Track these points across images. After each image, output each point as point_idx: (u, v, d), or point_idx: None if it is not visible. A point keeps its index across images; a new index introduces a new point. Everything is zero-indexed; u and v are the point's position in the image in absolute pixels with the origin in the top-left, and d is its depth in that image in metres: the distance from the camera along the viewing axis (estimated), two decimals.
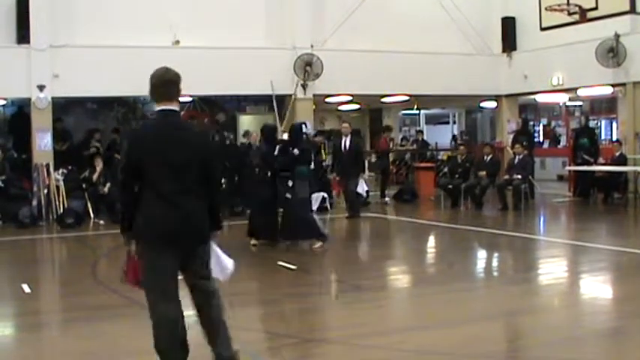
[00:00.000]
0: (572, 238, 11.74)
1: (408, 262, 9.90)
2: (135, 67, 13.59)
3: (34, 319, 6.70)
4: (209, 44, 15.43)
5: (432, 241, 12.07)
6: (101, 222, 13.57)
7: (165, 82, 4.40)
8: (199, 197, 4.42)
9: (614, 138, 19.50)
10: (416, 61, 17.46)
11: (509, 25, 18.67)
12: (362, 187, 13.89)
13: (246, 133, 15.52)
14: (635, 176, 15.27)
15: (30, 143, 14.71)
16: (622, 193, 15.52)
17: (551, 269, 8.86)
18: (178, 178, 4.33)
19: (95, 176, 14.29)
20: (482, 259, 10.35)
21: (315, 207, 11.39)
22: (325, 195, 14.17)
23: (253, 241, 10.46)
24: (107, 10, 15.09)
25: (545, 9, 17.42)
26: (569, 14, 16.90)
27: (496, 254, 10.52)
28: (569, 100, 22.01)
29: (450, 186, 15.82)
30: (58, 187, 14.17)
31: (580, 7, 16.65)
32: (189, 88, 16.97)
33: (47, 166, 14.38)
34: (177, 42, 15.47)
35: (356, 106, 22.82)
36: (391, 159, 20.03)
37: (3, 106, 16.38)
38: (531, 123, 23.04)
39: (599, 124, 22.68)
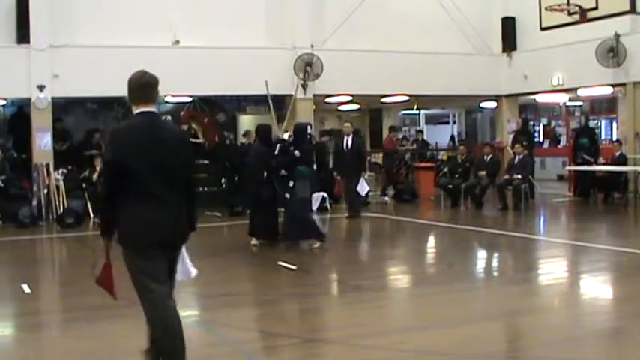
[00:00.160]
0: (572, 238, 11.73)
1: (408, 262, 9.90)
2: (135, 67, 13.46)
3: (34, 319, 6.70)
4: (209, 44, 15.43)
5: (432, 241, 12.07)
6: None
7: (143, 85, 4.43)
8: (182, 197, 4.45)
9: (614, 138, 19.50)
10: (416, 61, 17.46)
11: (509, 25, 18.67)
12: (362, 187, 13.88)
13: (246, 133, 15.55)
14: (635, 176, 15.28)
15: (30, 143, 14.72)
16: (622, 193, 15.53)
17: (551, 269, 8.85)
18: (165, 179, 4.34)
19: (95, 176, 14.29)
20: (482, 259, 10.35)
21: (315, 207, 11.39)
22: (325, 195, 14.18)
23: (254, 241, 10.47)
24: (107, 10, 15.10)
25: (545, 9, 17.42)
26: (569, 14, 16.90)
27: (496, 254, 10.52)
28: (569, 100, 22.01)
29: (450, 186, 15.83)
30: (58, 187, 14.18)
31: (580, 7, 16.65)
32: (190, 88, 16.89)
33: (47, 166, 14.39)
34: (177, 42, 15.48)
35: (356, 106, 22.81)
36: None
37: (3, 106, 16.38)
38: (531, 123, 23.06)
39: (599, 124, 22.68)
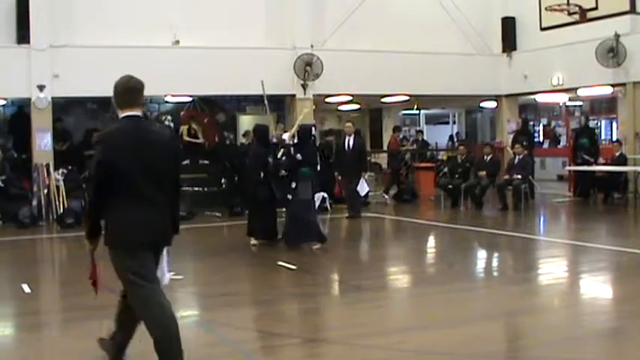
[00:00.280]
0: (572, 238, 11.73)
1: (408, 262, 9.90)
2: (135, 67, 13.51)
3: (34, 319, 6.70)
4: (209, 44, 15.43)
5: (432, 241, 12.07)
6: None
7: (129, 90, 4.54)
8: (169, 199, 4.52)
9: (614, 138, 19.51)
10: (416, 61, 17.46)
11: (509, 25, 18.67)
12: (362, 187, 13.87)
13: (246, 133, 15.54)
14: (635, 176, 15.28)
15: (30, 143, 14.71)
16: (622, 193, 15.52)
17: (551, 269, 8.85)
18: (154, 180, 4.40)
19: None
20: (482, 259, 10.35)
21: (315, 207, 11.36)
22: (325, 195, 14.19)
23: (253, 241, 10.47)
24: (107, 10, 15.10)
25: (545, 9, 17.42)
26: (569, 14, 16.90)
27: (496, 254, 10.51)
28: (569, 100, 22.02)
29: (450, 186, 15.83)
30: (58, 187, 14.17)
31: (580, 7, 16.65)
32: (190, 88, 16.85)
33: (47, 166, 14.38)
34: (177, 42, 15.47)
35: (356, 106, 22.82)
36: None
37: (3, 106, 16.37)
38: (531, 123, 23.06)
39: (599, 124, 22.70)
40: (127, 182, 4.33)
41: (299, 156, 10.16)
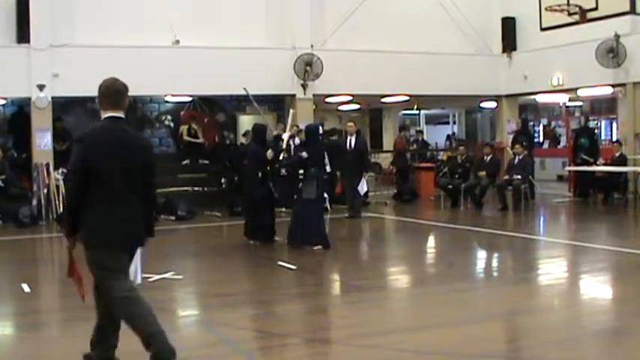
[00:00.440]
0: (572, 238, 11.73)
1: (408, 262, 9.89)
2: (135, 66, 13.62)
3: (34, 319, 6.70)
4: (209, 44, 15.44)
5: (432, 241, 12.07)
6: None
7: (114, 92, 4.64)
8: (140, 201, 4.62)
9: (614, 138, 19.51)
10: (416, 61, 17.47)
11: (509, 25, 18.68)
12: (362, 187, 13.87)
13: (246, 133, 15.55)
14: (635, 176, 15.28)
15: (30, 143, 14.72)
16: (622, 194, 15.53)
17: (551, 269, 8.85)
18: (129, 181, 4.53)
19: None
20: (482, 260, 10.35)
21: None
22: (325, 195, 14.15)
23: (251, 241, 10.49)
24: (107, 10, 15.10)
25: (545, 9, 17.43)
26: (569, 14, 16.91)
27: (496, 254, 10.51)
28: (569, 100, 22.02)
29: (450, 186, 15.83)
30: (58, 187, 14.16)
31: (580, 7, 16.66)
32: (190, 88, 16.84)
33: (47, 165, 14.39)
34: (177, 42, 15.47)
35: (356, 106, 22.82)
36: (392, 159, 20.05)
37: (3, 105, 16.38)
38: (531, 123, 23.08)
39: (599, 124, 22.70)
40: (104, 182, 4.44)
41: (304, 154, 10.09)
